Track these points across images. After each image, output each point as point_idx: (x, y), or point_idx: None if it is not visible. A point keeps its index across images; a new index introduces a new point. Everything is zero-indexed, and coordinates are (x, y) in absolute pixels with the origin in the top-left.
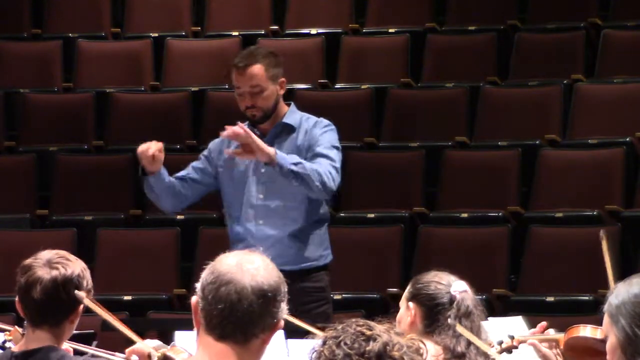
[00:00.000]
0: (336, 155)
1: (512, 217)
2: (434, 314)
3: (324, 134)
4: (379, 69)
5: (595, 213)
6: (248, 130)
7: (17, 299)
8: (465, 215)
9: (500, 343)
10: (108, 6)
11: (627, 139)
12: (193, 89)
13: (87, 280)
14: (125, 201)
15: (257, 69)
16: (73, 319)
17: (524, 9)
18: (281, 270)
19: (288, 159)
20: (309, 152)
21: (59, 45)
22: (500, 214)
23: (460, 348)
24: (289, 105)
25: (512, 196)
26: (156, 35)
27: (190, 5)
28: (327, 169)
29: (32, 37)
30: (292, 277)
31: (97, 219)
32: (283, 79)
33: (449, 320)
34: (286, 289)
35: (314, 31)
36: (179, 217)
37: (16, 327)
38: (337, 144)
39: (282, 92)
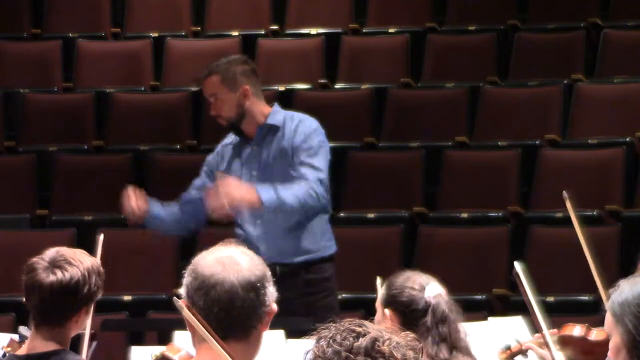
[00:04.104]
0: (321, 161)
1: (512, 217)
2: (410, 320)
3: (308, 137)
4: (379, 69)
5: (595, 213)
6: (228, 186)
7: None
8: (465, 215)
9: (508, 347)
10: (108, 6)
11: (627, 139)
12: (193, 89)
13: (90, 285)
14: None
15: (212, 79)
16: (77, 319)
17: (524, 9)
18: (284, 264)
19: (269, 199)
20: (294, 157)
21: (59, 45)
22: (500, 214)
23: (442, 354)
24: (272, 106)
25: (512, 196)
26: (156, 35)
27: (190, 5)
28: (308, 187)
29: (32, 37)
30: (295, 270)
31: (97, 219)
32: (246, 87)
33: (427, 325)
34: (269, 273)
35: (314, 31)
36: None
37: (12, 337)
38: (321, 144)
39: (246, 100)
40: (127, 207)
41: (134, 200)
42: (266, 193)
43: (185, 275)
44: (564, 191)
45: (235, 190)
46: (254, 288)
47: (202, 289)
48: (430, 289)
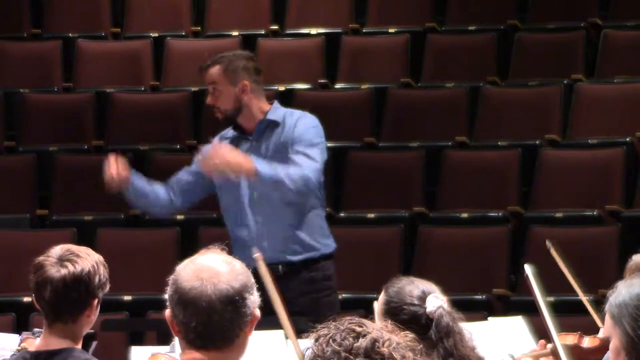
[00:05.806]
0: (317, 154)
1: (512, 217)
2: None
3: (307, 131)
4: (379, 69)
5: (595, 213)
6: (223, 150)
7: (33, 296)
8: (465, 215)
9: None
10: (108, 6)
11: (627, 139)
12: (193, 89)
13: (100, 275)
14: (125, 201)
15: (215, 69)
16: (89, 313)
17: (524, 9)
18: (287, 262)
19: (264, 170)
20: (291, 147)
21: (59, 45)
22: (500, 214)
23: None
24: (272, 104)
25: (512, 196)
26: (156, 35)
27: (190, 5)
28: (302, 171)
29: (32, 37)
30: (298, 269)
31: (97, 219)
32: (245, 82)
33: (432, 339)
34: (253, 280)
35: (314, 31)
36: (179, 217)
37: (26, 334)
38: (320, 139)
39: (244, 96)
40: (107, 173)
41: (115, 166)
42: (261, 164)
43: (169, 284)
44: (546, 240)
45: (231, 155)
46: (232, 302)
47: (181, 304)
48: (431, 302)
